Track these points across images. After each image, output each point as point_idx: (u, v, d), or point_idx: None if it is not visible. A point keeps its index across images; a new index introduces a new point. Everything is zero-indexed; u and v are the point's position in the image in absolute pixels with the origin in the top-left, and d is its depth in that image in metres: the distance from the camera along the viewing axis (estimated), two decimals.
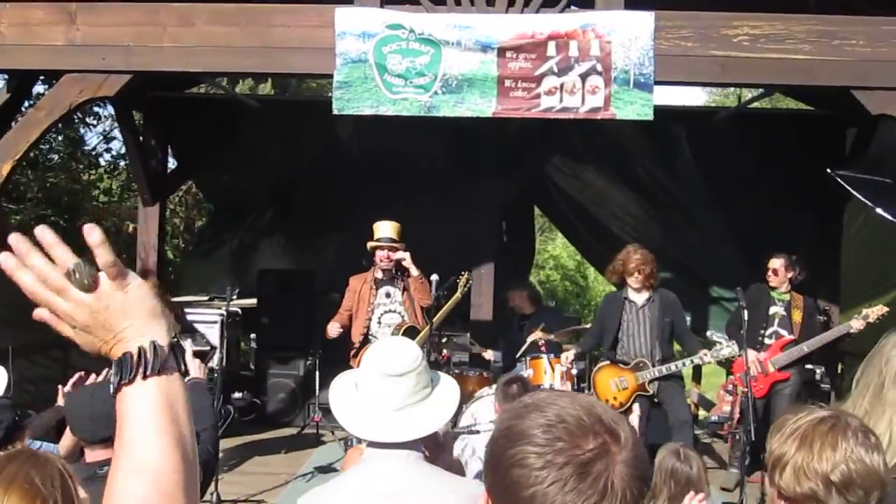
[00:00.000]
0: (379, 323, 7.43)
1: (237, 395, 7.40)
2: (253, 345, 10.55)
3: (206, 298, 10.81)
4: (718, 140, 9.93)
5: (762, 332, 7.39)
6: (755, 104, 11.33)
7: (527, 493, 1.23)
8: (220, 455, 6.68)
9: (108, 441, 3.09)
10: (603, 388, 7.07)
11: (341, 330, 7.52)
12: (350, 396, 2.72)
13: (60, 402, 4.37)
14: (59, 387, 4.42)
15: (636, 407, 6.25)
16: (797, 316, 7.42)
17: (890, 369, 2.55)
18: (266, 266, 10.77)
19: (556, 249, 25.04)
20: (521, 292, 9.08)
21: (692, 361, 7.11)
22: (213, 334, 9.33)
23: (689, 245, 10.37)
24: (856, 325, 6.94)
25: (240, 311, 10.13)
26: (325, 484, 2.71)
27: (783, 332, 7.42)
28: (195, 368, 3.47)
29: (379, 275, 7.50)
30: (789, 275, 7.42)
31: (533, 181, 10.86)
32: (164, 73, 6.85)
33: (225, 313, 9.56)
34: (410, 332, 7.10)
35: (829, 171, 7.33)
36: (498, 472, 1.28)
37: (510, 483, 1.25)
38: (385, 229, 7.47)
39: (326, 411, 9.13)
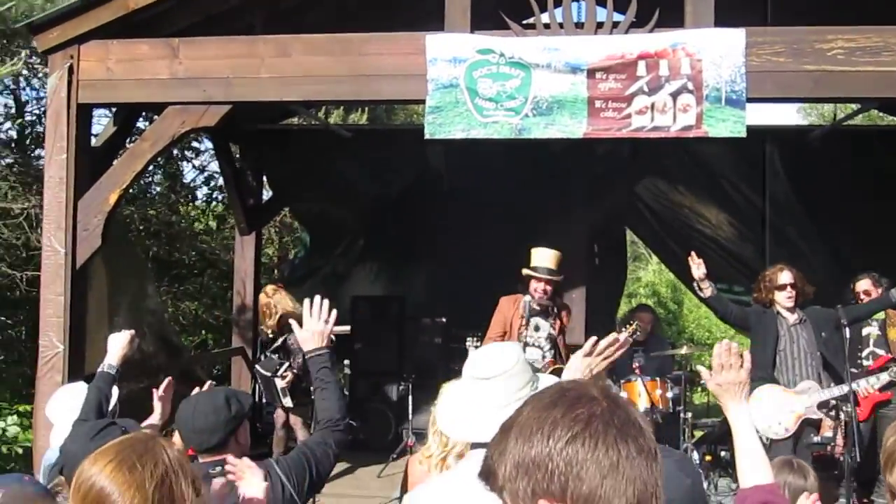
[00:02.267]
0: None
1: None
2: (347, 371, 10.70)
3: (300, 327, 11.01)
4: (812, 159, 9.74)
5: (859, 353, 7.21)
6: (852, 122, 11.08)
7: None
8: None
9: (214, 450, 3.20)
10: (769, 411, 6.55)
11: None
12: (451, 402, 2.78)
13: (157, 406, 4.53)
14: (154, 390, 4.59)
15: None
16: (893, 334, 7.23)
17: None
18: (358, 293, 10.93)
19: (648, 276, 24.77)
20: (646, 314, 8.72)
21: (868, 382, 6.74)
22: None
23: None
24: None
25: (334, 338, 10.25)
26: (427, 483, 2.76)
27: (880, 351, 7.24)
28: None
29: (532, 303, 7.11)
30: (879, 292, 7.22)
31: (624, 204, 10.81)
32: (261, 103, 7.07)
33: None
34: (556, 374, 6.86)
35: None
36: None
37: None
38: (544, 258, 7.11)
39: (420, 436, 9.19)
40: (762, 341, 6.79)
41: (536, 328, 7.08)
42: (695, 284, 7.06)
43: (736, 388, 2.41)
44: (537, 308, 7.04)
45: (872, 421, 7.11)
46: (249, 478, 2.84)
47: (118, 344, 4.37)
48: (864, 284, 7.29)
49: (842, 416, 6.77)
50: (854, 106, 10.23)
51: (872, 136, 11.42)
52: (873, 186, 9.34)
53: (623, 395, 7.29)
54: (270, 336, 8.74)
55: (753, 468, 2.26)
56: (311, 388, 3.72)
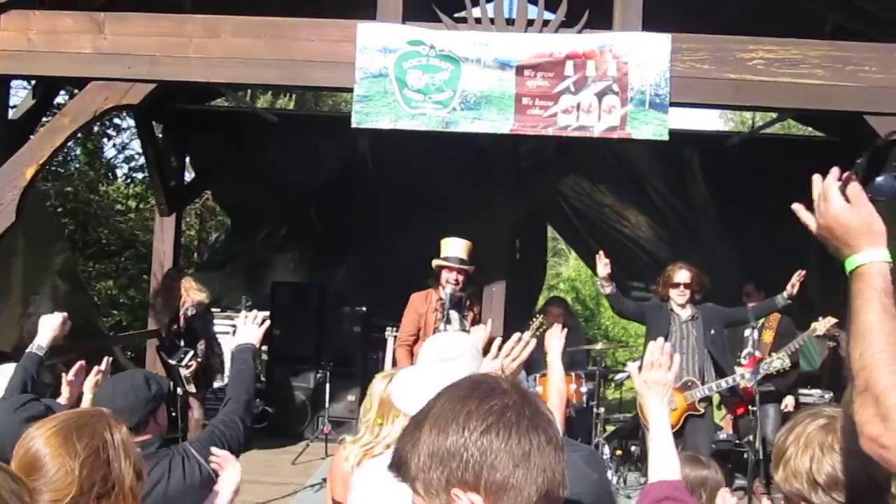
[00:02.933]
0: None
1: None
2: (264, 357, 10.63)
3: (218, 310, 10.92)
4: (730, 165, 10.02)
5: (738, 353, 7.58)
6: (767, 130, 11.41)
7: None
8: None
9: (133, 430, 3.19)
10: None
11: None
12: (409, 382, 2.82)
13: (64, 390, 4.45)
14: (63, 375, 4.51)
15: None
16: (768, 336, 7.62)
17: None
18: (279, 280, 10.86)
19: (568, 272, 25.11)
20: (555, 307, 8.84)
21: (743, 377, 6.95)
22: (225, 345, 9.42)
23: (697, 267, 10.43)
24: (819, 328, 7.15)
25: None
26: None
27: (756, 353, 7.59)
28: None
29: (444, 296, 6.95)
30: (762, 297, 7.72)
31: (546, 200, 10.95)
32: (188, 84, 6.96)
33: (237, 325, 9.65)
34: None
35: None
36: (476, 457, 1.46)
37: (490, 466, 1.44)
38: (455, 248, 7.01)
39: (336, 423, 9.24)
40: (654, 335, 6.94)
41: (449, 321, 6.98)
42: (598, 281, 7.34)
43: (661, 388, 2.48)
44: (448, 300, 6.91)
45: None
46: (231, 470, 2.91)
47: (50, 326, 4.29)
48: (746, 288, 7.95)
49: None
50: (772, 114, 10.53)
51: (789, 143, 11.80)
52: (785, 192, 9.62)
53: (538, 389, 7.40)
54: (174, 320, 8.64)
55: (662, 465, 2.33)
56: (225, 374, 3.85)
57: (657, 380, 2.49)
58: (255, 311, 3.90)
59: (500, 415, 1.43)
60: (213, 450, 3.05)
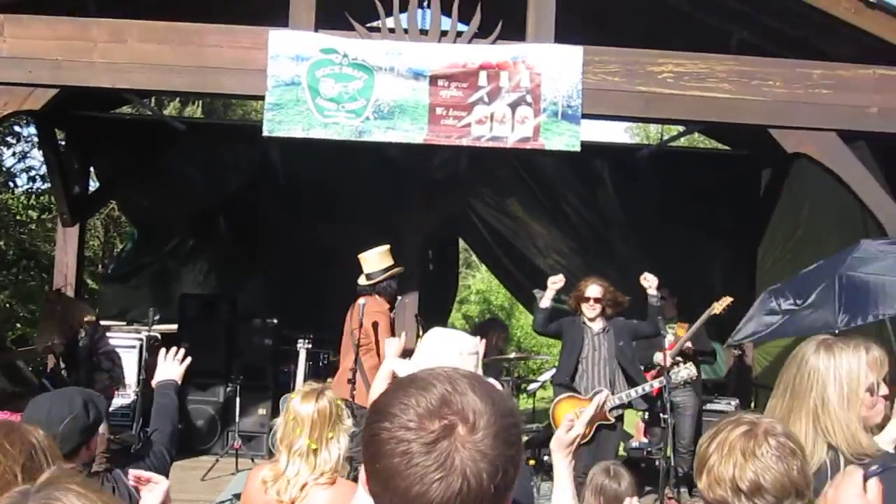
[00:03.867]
0: None
1: None
2: None
3: (124, 323, 10.62)
4: (640, 176, 10.20)
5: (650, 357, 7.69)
6: (676, 143, 11.65)
7: (380, 464, 1.33)
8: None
9: (65, 457, 3.01)
10: (561, 419, 6.77)
11: None
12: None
13: None
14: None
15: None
16: (681, 332, 7.82)
17: (808, 375, 2.68)
18: (188, 292, 10.62)
19: (479, 284, 25.19)
20: (501, 333, 8.94)
21: (651, 386, 7.00)
22: (131, 359, 9.16)
23: (610, 279, 10.56)
24: (717, 307, 7.31)
25: (159, 336, 9.96)
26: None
27: (670, 338, 7.81)
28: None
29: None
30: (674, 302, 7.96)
31: (458, 213, 10.95)
32: (92, 89, 6.76)
33: (144, 338, 9.40)
34: None
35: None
36: (364, 444, 1.38)
37: (371, 455, 1.36)
38: (373, 263, 7.07)
39: (247, 438, 9.05)
40: (569, 349, 7.10)
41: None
42: (541, 294, 7.27)
43: (569, 448, 2.59)
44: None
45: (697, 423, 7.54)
46: (156, 490, 2.80)
47: None
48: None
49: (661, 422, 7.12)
50: (679, 128, 10.75)
51: (697, 156, 12.09)
52: (696, 203, 9.86)
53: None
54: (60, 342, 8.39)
55: None
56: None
57: (565, 440, 2.58)
58: (174, 348, 3.98)
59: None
60: (132, 472, 2.90)
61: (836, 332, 5.28)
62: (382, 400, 1.40)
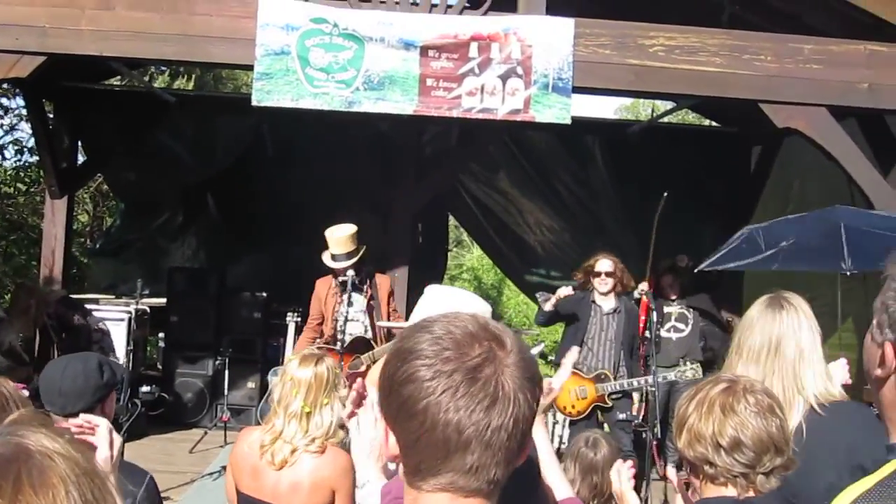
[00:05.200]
0: (342, 332, 6.38)
1: (145, 388, 7.22)
2: (161, 344, 10.36)
3: (113, 297, 10.60)
4: (630, 152, 10.18)
5: (659, 328, 7.64)
6: (666, 119, 11.64)
7: (420, 405, 1.24)
8: (126, 453, 6.56)
9: (76, 415, 3.01)
10: (562, 395, 6.61)
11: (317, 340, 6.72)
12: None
13: None
14: None
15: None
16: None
17: (777, 330, 2.75)
18: (176, 265, 10.60)
19: (472, 262, 25.23)
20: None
21: (655, 380, 6.50)
22: (119, 332, 9.14)
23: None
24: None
25: (148, 309, 9.95)
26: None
27: (680, 325, 7.73)
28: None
29: (343, 282, 6.56)
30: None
31: (448, 188, 10.93)
32: (79, 57, 6.70)
33: (133, 311, 9.38)
34: (363, 346, 6.54)
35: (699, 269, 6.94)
36: (392, 393, 1.29)
37: (404, 400, 1.26)
38: (339, 245, 6.58)
39: (235, 411, 9.06)
40: (574, 327, 6.97)
41: (351, 304, 6.68)
42: (544, 297, 7.10)
43: (542, 415, 2.43)
44: (352, 283, 6.51)
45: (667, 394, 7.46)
46: (100, 434, 2.66)
47: None
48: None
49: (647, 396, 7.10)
50: (670, 104, 10.73)
51: (688, 133, 12.09)
52: (686, 180, 9.86)
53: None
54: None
55: (557, 483, 2.34)
56: None
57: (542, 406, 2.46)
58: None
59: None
60: (85, 416, 2.75)
61: (848, 273, 5.46)
62: (403, 344, 1.31)
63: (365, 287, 6.79)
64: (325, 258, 6.66)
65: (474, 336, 1.28)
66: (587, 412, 6.74)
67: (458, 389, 1.23)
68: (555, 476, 2.28)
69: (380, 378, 1.33)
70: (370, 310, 6.77)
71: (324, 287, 6.94)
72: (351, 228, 6.60)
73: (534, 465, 1.77)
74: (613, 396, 6.78)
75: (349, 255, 6.57)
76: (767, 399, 2.17)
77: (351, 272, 6.54)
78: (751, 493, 2.13)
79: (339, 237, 6.52)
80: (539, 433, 2.35)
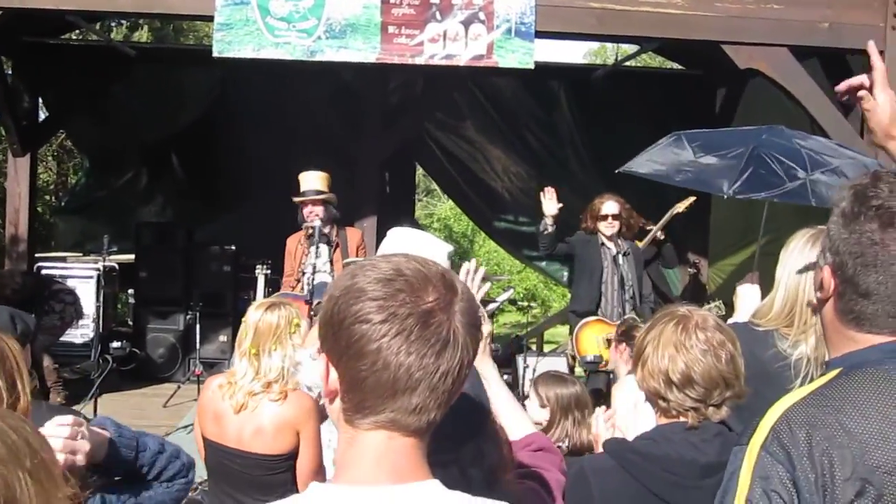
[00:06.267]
0: (311, 283, 6.28)
1: (115, 344, 7.22)
2: (131, 300, 10.33)
3: (80, 254, 10.54)
4: (596, 97, 10.19)
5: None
6: (632, 63, 11.63)
7: (372, 346, 1.24)
8: (99, 409, 6.57)
9: None
10: (590, 343, 6.49)
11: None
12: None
13: None
14: None
15: None
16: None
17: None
18: (144, 220, 10.54)
19: (443, 212, 25.25)
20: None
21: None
22: (88, 290, 9.09)
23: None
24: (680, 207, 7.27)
25: (117, 266, 9.90)
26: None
27: None
28: None
29: (310, 230, 6.58)
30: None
31: (414, 137, 10.89)
32: (35, 11, 6.58)
33: (101, 268, 9.33)
34: None
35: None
36: (340, 333, 1.27)
37: (354, 340, 1.26)
38: (310, 181, 6.74)
39: (208, 365, 9.07)
40: (588, 273, 6.83)
41: (319, 255, 6.59)
42: (543, 222, 6.79)
43: (483, 343, 2.19)
44: (314, 234, 6.48)
45: None
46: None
47: None
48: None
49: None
50: (634, 47, 10.71)
51: (652, 76, 12.10)
52: (652, 123, 9.86)
53: None
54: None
55: (515, 420, 2.30)
56: None
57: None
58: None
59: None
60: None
61: (724, 196, 5.28)
62: (353, 283, 1.29)
63: (333, 238, 6.82)
64: (296, 198, 6.78)
65: (428, 279, 1.28)
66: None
67: (411, 333, 1.24)
68: (509, 411, 2.25)
69: (324, 314, 1.31)
70: (333, 263, 6.80)
71: (293, 242, 7.02)
72: (324, 173, 6.76)
73: (479, 407, 1.76)
74: None
75: (318, 193, 6.66)
76: (719, 335, 2.21)
77: (318, 222, 6.56)
78: None
79: (312, 175, 6.70)
80: (486, 365, 2.26)
